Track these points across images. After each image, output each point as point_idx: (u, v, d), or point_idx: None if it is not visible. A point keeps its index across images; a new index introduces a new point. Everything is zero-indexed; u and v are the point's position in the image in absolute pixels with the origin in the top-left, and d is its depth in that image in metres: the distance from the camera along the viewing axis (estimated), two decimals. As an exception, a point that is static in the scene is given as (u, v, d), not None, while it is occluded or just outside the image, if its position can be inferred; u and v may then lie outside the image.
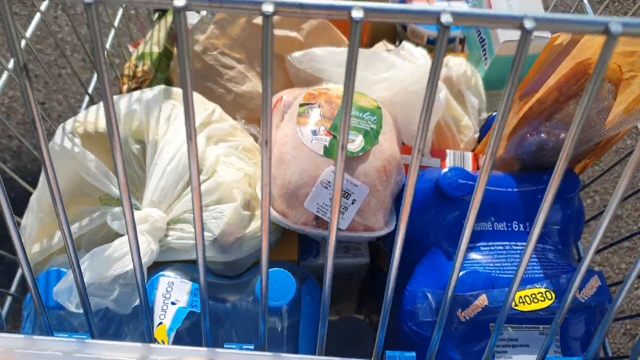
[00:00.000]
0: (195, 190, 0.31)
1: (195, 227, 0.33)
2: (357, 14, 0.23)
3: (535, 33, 0.70)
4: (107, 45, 0.78)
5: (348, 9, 0.23)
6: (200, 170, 0.54)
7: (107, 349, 0.38)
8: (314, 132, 0.52)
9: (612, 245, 0.57)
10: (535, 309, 0.46)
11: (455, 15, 0.24)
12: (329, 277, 0.36)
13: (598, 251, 0.63)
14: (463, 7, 0.79)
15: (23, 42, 0.62)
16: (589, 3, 0.70)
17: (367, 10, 0.24)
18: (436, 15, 0.24)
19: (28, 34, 0.62)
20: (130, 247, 0.35)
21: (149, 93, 0.58)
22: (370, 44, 0.80)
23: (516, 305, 0.46)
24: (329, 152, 0.51)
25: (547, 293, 0.46)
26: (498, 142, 0.28)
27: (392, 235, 0.54)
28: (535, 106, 0.49)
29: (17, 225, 0.34)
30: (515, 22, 0.25)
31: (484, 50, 0.70)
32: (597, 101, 0.45)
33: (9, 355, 0.37)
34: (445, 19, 0.24)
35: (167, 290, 0.49)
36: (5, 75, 0.59)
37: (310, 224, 0.51)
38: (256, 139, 0.63)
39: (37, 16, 0.64)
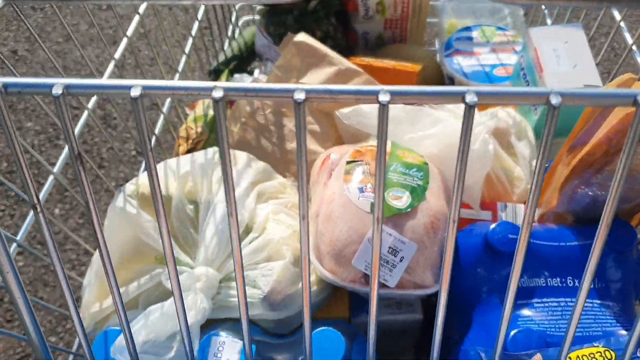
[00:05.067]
0: (236, 251, 0.32)
1: (238, 290, 0.34)
2: (384, 98, 0.24)
3: (587, 82, 0.68)
4: (165, 109, 0.82)
5: (375, 93, 0.24)
6: (250, 228, 0.55)
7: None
8: (361, 190, 0.53)
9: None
10: (595, 369, 0.44)
11: (480, 94, 0.25)
12: (373, 334, 0.36)
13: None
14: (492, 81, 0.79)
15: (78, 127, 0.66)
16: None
17: (393, 93, 0.24)
18: (461, 95, 0.25)
19: (90, 104, 0.66)
20: (177, 309, 0.36)
21: (201, 155, 0.60)
22: (419, 96, 0.81)
23: (574, 365, 0.44)
24: (376, 209, 0.52)
25: (607, 352, 0.44)
26: (536, 200, 0.28)
27: (443, 292, 0.53)
28: (585, 158, 0.48)
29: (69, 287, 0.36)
30: (541, 97, 0.25)
31: (533, 100, 0.70)
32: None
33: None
34: (470, 98, 0.24)
35: (218, 350, 0.50)
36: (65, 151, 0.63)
37: (358, 282, 0.51)
38: (305, 196, 0.64)
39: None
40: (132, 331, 0.51)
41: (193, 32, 0.89)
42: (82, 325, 0.37)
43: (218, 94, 0.25)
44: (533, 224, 0.60)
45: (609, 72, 0.77)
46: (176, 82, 0.26)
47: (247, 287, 0.52)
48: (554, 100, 0.24)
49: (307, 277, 0.30)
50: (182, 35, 1.40)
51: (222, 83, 0.25)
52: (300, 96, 0.24)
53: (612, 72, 0.76)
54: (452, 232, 0.29)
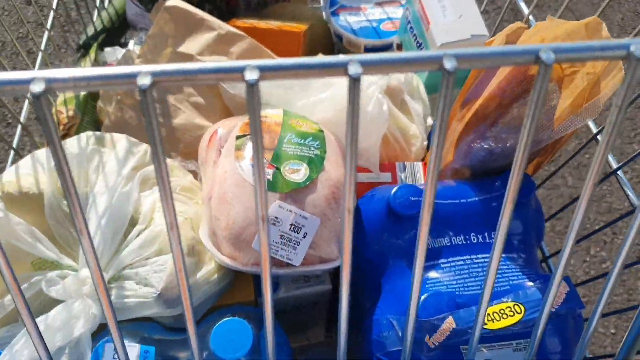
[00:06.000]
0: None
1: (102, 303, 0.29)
2: (251, 76, 0.20)
3: (474, 32, 0.68)
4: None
5: (240, 70, 0.20)
6: (135, 220, 0.50)
7: None
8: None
9: (582, 240, 0.55)
10: (506, 325, 0.43)
11: (365, 64, 0.21)
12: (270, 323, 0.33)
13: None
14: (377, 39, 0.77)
15: None
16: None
17: (262, 69, 0.20)
18: (343, 66, 0.21)
19: None
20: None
21: (73, 142, 0.54)
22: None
23: (485, 323, 0.44)
24: (273, 185, 0.48)
25: (516, 307, 0.44)
26: (438, 167, 0.25)
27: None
28: (478, 112, 0.47)
29: None
30: (434, 62, 0.22)
31: (422, 54, 0.68)
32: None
33: None
34: (354, 70, 0.21)
35: (114, 357, 0.45)
36: None
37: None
38: (195, 175, 0.59)
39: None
40: (13, 351, 0.46)
41: (54, 5, 0.79)
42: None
43: (38, 87, 0.20)
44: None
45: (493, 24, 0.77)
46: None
47: (138, 286, 0.48)
48: (448, 64, 0.21)
49: (185, 289, 0.26)
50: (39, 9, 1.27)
51: (45, 72, 0.20)
52: (145, 81, 0.20)
53: (496, 21, 0.75)
54: (348, 222, 0.26)
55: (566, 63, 0.43)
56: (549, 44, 0.20)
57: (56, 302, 0.49)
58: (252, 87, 0.20)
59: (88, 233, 0.24)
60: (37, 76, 0.20)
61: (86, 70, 0.20)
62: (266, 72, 0.20)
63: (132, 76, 0.20)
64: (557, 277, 0.36)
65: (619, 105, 0.21)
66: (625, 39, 0.41)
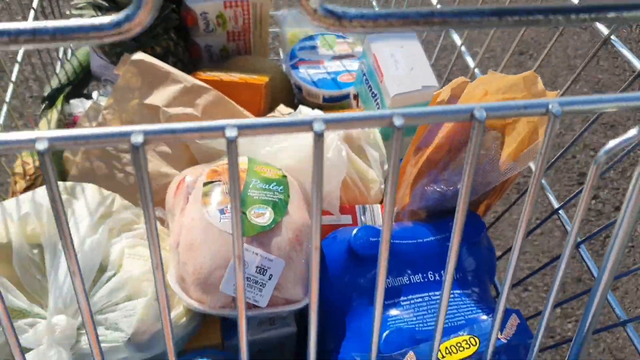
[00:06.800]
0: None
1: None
2: (231, 133, 0.23)
3: (425, 83, 0.72)
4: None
5: (222, 128, 0.23)
6: (104, 267, 0.51)
7: None
8: (222, 211, 0.51)
9: (523, 280, 0.59)
10: (462, 357, 0.46)
11: (328, 122, 0.24)
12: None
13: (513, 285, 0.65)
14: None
15: None
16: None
17: (240, 127, 0.23)
18: (309, 124, 0.24)
19: None
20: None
21: (40, 192, 0.55)
22: (270, 108, 0.81)
23: (443, 357, 0.46)
24: (238, 229, 0.50)
25: (471, 339, 0.47)
26: (392, 211, 0.28)
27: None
28: (430, 158, 0.51)
29: None
30: (384, 120, 0.25)
31: (377, 103, 0.73)
32: (485, 150, 0.47)
33: None
34: (318, 127, 0.23)
35: (84, 404, 0.46)
36: None
37: (229, 307, 0.50)
38: (162, 221, 0.61)
39: None
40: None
41: (19, 58, 0.81)
42: None
43: (42, 145, 0.22)
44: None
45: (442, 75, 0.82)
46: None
47: (108, 331, 0.49)
48: (397, 121, 0.24)
49: (168, 329, 0.28)
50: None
51: (47, 132, 0.22)
52: (138, 139, 0.22)
53: (446, 71, 0.81)
54: (315, 260, 0.29)
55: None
56: (482, 104, 0.23)
57: (26, 350, 0.49)
58: (231, 143, 0.23)
59: (80, 275, 0.26)
60: (41, 136, 0.22)
61: (87, 130, 0.22)
62: (244, 129, 0.23)
63: (127, 134, 0.23)
64: (498, 316, 0.39)
65: (541, 154, 0.24)
66: (548, 97, 0.45)
